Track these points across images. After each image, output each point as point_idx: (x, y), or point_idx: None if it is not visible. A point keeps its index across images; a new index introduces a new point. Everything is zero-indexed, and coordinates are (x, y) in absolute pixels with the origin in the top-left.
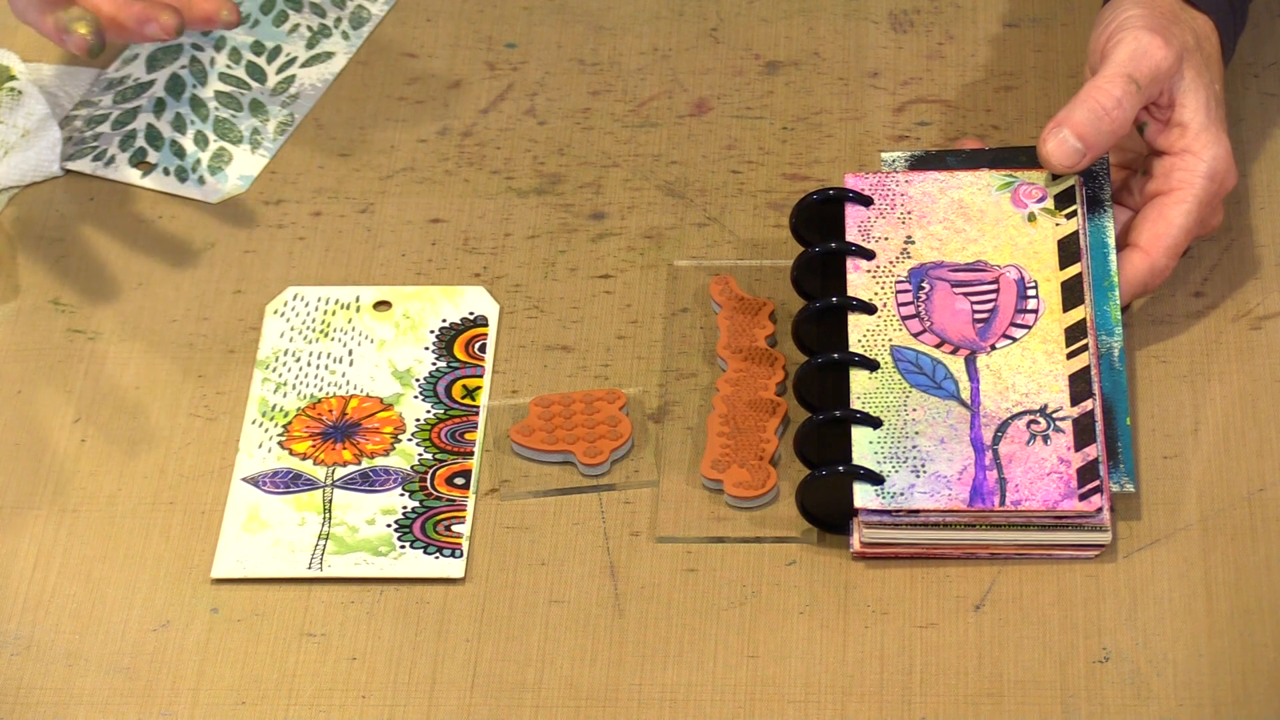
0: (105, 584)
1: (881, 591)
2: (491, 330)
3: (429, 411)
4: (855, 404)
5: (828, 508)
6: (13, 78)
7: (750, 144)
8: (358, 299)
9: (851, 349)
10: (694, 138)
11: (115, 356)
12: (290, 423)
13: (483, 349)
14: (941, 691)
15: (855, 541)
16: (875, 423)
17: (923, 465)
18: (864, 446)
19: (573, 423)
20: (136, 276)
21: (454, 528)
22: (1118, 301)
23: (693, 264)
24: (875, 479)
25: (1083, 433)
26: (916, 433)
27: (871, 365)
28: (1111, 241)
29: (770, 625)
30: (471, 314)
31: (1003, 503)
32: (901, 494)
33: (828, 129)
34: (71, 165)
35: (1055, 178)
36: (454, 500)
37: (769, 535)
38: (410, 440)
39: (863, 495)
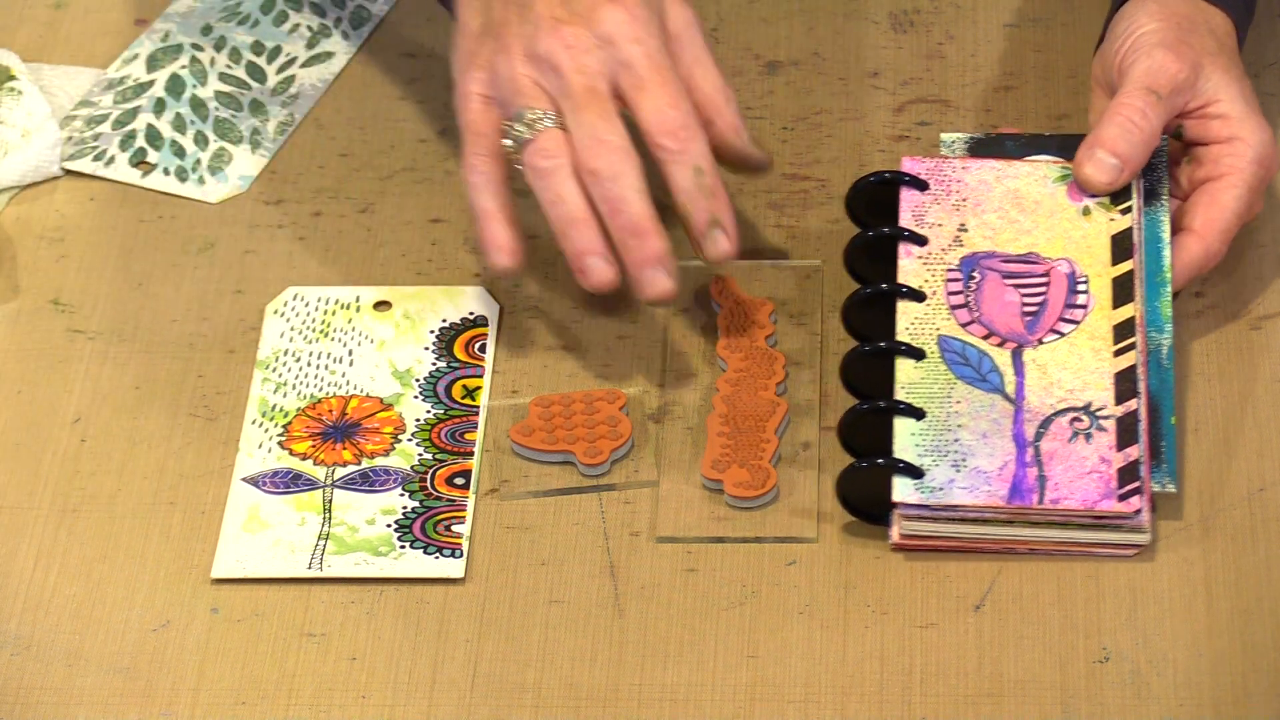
0: (105, 584)
1: (881, 591)
2: (491, 330)
3: (429, 411)
4: (900, 393)
5: (868, 498)
6: (13, 78)
7: None
8: (358, 299)
9: (899, 337)
10: None
11: (115, 356)
12: (290, 423)
13: (483, 349)
14: (941, 691)
15: (894, 533)
16: (918, 414)
17: (963, 460)
18: (906, 438)
19: (573, 423)
20: (136, 276)
21: (454, 528)
22: (1169, 298)
23: (694, 264)
24: (915, 472)
25: (1125, 432)
26: (959, 425)
27: (918, 354)
28: (1166, 236)
29: (770, 625)
30: (471, 314)
31: (1041, 501)
32: (940, 489)
33: (828, 129)
34: (71, 165)
35: None
36: (454, 500)
37: (769, 535)
38: (410, 440)
39: (901, 489)
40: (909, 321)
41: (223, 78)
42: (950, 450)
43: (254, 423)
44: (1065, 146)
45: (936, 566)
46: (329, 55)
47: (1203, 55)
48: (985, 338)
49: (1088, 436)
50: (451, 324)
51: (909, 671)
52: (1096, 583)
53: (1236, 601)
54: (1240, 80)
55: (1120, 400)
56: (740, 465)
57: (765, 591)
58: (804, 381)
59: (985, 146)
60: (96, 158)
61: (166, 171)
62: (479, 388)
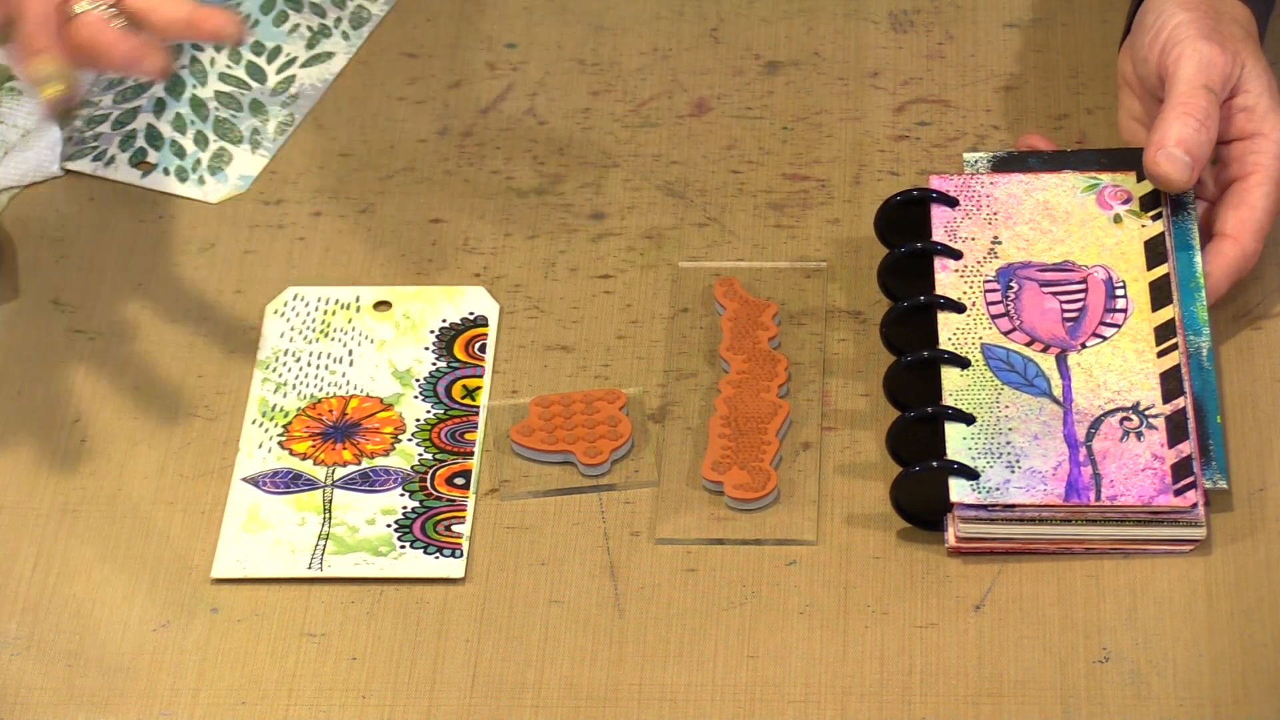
0: (105, 584)
1: (881, 591)
2: (491, 330)
3: (429, 411)
4: (948, 400)
5: (922, 504)
6: (13, 78)
7: (750, 144)
8: (358, 299)
9: (942, 347)
10: (694, 138)
11: (115, 356)
12: (290, 423)
13: (483, 349)
14: (941, 691)
15: (950, 536)
16: (968, 419)
17: (1017, 461)
18: (958, 442)
19: (573, 423)
20: (136, 276)
21: (454, 528)
22: (1204, 302)
23: (696, 265)
24: (970, 474)
25: (1175, 430)
26: (1010, 429)
27: (963, 363)
28: (1196, 243)
29: (770, 625)
30: (471, 314)
31: (1098, 498)
32: (997, 489)
33: (828, 129)
34: (71, 165)
35: (1140, 179)
36: (454, 500)
37: (769, 537)
38: (410, 440)
39: (958, 490)
40: (951, 332)
41: (223, 78)
42: (1003, 452)
43: (254, 423)
44: (1086, 162)
45: (936, 566)
46: (329, 55)
47: (1237, 43)
48: (1028, 344)
49: (1139, 435)
50: (451, 324)
51: (909, 671)
52: (1096, 583)
53: (1236, 601)
54: (1267, 71)
55: (1168, 399)
56: (741, 467)
57: (765, 592)
58: (806, 383)
59: (1008, 164)
60: (96, 158)
61: (166, 171)
62: (479, 388)
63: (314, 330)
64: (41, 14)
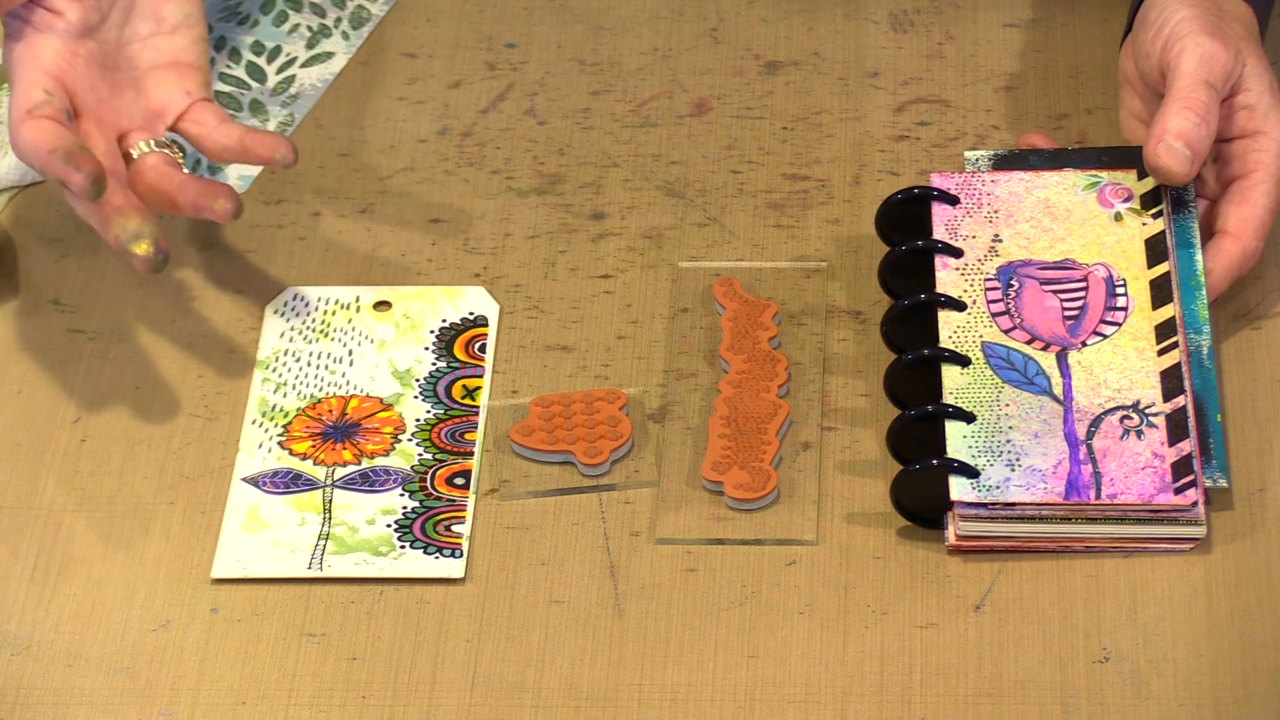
0: (105, 584)
1: (881, 591)
2: (491, 330)
3: (429, 411)
4: (948, 399)
5: (923, 502)
6: None
7: (750, 144)
8: (358, 299)
9: (942, 345)
10: (694, 138)
11: (115, 356)
12: (290, 423)
13: (483, 349)
14: (941, 691)
15: (950, 535)
16: (969, 417)
17: (1017, 459)
18: (958, 441)
19: (573, 423)
20: (136, 276)
21: (454, 528)
22: (1205, 300)
23: (696, 265)
24: (970, 472)
25: (1176, 428)
26: (1010, 427)
27: (963, 361)
28: (1197, 241)
29: (770, 625)
30: (471, 314)
31: (1098, 496)
32: (997, 487)
33: (828, 129)
34: None
35: (1141, 177)
36: (454, 500)
37: (769, 537)
38: (410, 440)
39: (958, 488)
40: (951, 330)
41: (223, 78)
42: (1004, 450)
43: (254, 423)
44: (1087, 160)
45: (936, 566)
46: (329, 55)
47: (1239, 41)
48: (1029, 343)
49: (1139, 433)
50: (451, 324)
51: (909, 671)
52: (1096, 583)
53: (1236, 601)
54: (1269, 69)
55: (1168, 397)
56: (741, 467)
57: (765, 592)
58: (806, 383)
59: (1009, 162)
60: None
61: None
62: (479, 388)
63: (314, 330)
64: (109, 167)
